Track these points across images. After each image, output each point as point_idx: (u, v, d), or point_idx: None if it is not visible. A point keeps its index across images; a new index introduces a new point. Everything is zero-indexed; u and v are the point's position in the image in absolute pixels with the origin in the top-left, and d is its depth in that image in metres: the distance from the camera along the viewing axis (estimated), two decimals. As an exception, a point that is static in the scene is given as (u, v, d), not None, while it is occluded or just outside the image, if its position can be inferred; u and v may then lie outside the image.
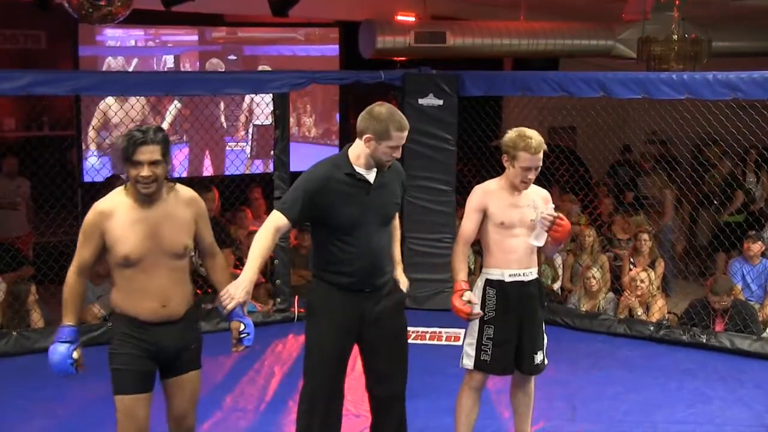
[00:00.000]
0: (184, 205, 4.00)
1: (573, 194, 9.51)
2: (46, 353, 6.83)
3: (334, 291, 4.23)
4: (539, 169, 4.57)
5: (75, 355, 3.92)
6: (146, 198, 3.88)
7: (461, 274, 4.61)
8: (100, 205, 3.92)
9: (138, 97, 10.42)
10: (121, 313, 3.98)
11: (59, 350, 3.91)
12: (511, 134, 4.57)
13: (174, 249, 3.94)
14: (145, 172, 3.80)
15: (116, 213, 3.88)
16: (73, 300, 3.97)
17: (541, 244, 4.60)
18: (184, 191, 4.04)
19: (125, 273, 3.91)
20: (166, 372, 4.05)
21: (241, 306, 4.02)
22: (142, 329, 3.92)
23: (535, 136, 4.52)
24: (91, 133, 11.00)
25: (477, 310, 4.56)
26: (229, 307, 3.94)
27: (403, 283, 4.53)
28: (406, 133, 4.15)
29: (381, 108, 4.15)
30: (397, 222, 4.52)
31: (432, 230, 8.24)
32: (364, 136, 4.13)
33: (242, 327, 4.10)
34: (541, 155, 4.53)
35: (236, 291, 3.93)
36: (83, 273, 3.98)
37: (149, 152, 3.80)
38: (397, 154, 4.16)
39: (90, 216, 3.91)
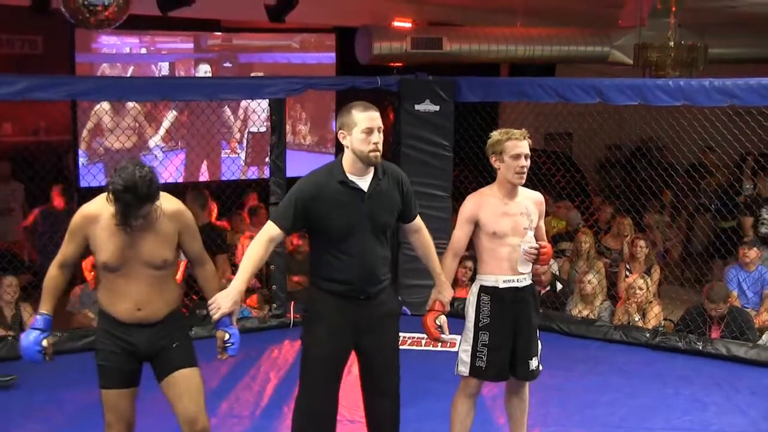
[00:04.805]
0: (167, 218, 4.03)
1: (569, 200, 9.51)
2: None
3: (329, 298, 4.23)
4: (529, 158, 4.59)
5: (44, 343, 4.03)
6: None
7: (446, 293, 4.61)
8: (86, 209, 4.03)
9: (133, 105, 10.47)
10: (104, 311, 4.11)
11: (29, 337, 4.03)
12: (493, 135, 4.66)
13: (152, 261, 4.00)
14: (138, 222, 3.89)
15: (99, 220, 3.97)
16: (51, 290, 4.10)
17: (527, 270, 4.67)
18: (169, 204, 4.05)
19: (107, 276, 4.04)
20: (157, 374, 4.14)
21: (230, 316, 4.08)
22: (121, 328, 4.05)
23: (516, 130, 4.63)
24: (85, 136, 10.97)
25: (445, 338, 4.58)
26: (216, 317, 4.03)
27: (447, 294, 4.55)
28: (373, 114, 4.12)
29: (346, 104, 4.20)
30: (427, 233, 4.53)
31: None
32: (340, 135, 4.17)
33: (227, 337, 4.16)
34: (527, 143, 4.59)
35: (223, 301, 4.01)
36: (65, 267, 4.12)
37: (144, 211, 3.86)
38: (375, 138, 4.10)
39: (76, 218, 4.03)
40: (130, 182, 3.75)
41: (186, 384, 4.12)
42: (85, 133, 10.85)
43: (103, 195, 3.97)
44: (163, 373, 4.11)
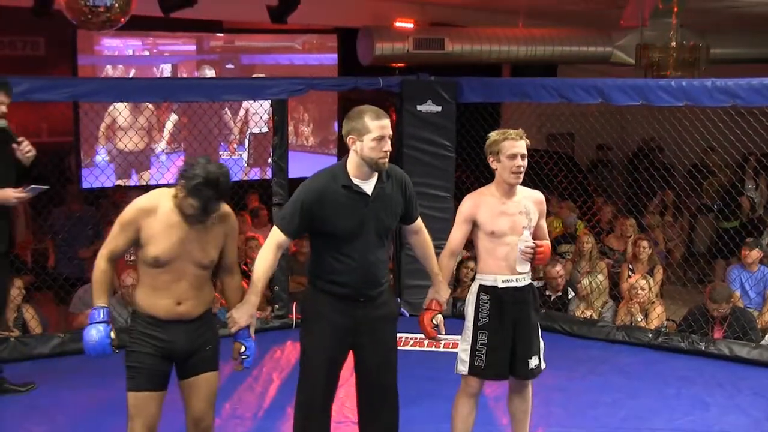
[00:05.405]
0: (219, 220, 4.07)
1: (571, 201, 9.50)
2: (44, 359, 6.85)
3: (328, 299, 4.24)
4: (526, 158, 4.59)
5: (113, 334, 4.02)
6: None
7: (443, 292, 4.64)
8: (142, 202, 4.03)
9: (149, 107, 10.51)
10: (140, 312, 4.09)
11: (97, 331, 4.00)
12: (490, 135, 4.67)
13: (201, 260, 4.04)
14: (213, 218, 3.96)
15: (155, 214, 3.98)
16: (104, 283, 4.08)
17: (526, 270, 4.68)
18: (222, 207, 4.08)
19: (150, 271, 4.03)
20: (182, 373, 4.17)
21: (247, 328, 4.17)
22: (159, 327, 4.04)
23: (513, 130, 4.63)
24: (104, 132, 11.04)
25: (442, 337, 4.59)
26: (233, 330, 4.14)
27: (443, 294, 4.59)
28: (385, 122, 4.12)
29: (355, 108, 4.19)
30: (426, 234, 4.56)
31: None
32: (348, 139, 4.15)
33: (243, 349, 4.21)
34: (524, 143, 4.60)
35: (240, 315, 4.12)
36: (113, 260, 4.09)
37: (219, 206, 3.94)
38: (386, 146, 4.11)
39: (130, 211, 4.02)
40: (213, 177, 3.80)
41: (206, 386, 4.18)
42: (103, 127, 10.91)
43: (159, 191, 4.06)
44: (188, 374, 4.16)
